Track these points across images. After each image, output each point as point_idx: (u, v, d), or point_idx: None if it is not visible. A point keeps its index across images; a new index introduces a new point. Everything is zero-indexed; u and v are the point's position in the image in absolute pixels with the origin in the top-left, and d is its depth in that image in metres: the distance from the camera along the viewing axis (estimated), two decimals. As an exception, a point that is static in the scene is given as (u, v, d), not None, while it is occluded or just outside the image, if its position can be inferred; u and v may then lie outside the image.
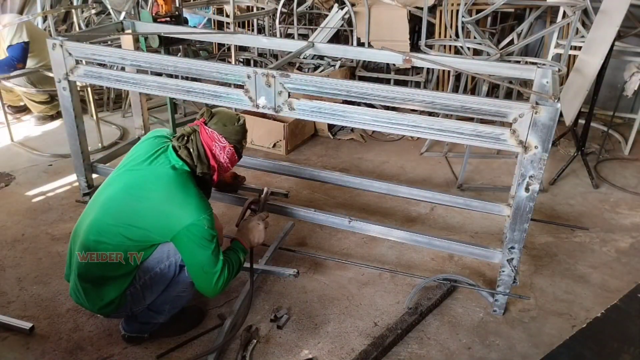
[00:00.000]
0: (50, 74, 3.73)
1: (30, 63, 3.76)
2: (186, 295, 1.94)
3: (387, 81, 4.33)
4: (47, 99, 3.95)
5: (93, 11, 4.61)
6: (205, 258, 1.75)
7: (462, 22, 3.33)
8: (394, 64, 4.04)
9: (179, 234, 1.72)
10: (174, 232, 1.72)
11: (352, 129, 4.09)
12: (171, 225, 1.73)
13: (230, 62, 4.24)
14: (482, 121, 1.94)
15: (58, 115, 4.08)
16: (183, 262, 1.81)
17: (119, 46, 3.19)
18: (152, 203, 1.75)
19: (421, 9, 3.86)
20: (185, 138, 1.89)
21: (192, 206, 1.74)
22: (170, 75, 2.69)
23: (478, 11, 3.87)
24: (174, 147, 1.87)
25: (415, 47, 4.31)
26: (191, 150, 1.87)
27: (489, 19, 4.25)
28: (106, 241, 1.77)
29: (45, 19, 4.70)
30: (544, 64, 2.74)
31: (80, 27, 4.20)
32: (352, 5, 4.13)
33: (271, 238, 2.57)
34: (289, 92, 2.02)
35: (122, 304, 1.84)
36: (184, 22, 3.26)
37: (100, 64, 2.47)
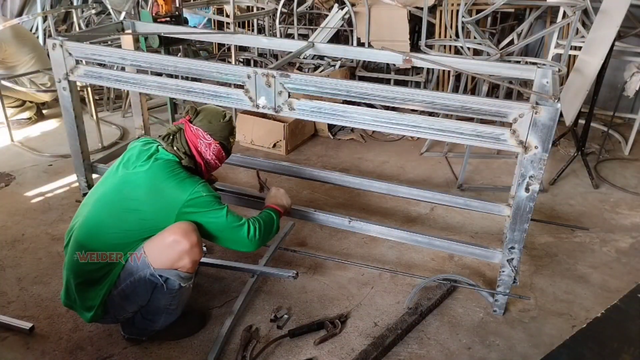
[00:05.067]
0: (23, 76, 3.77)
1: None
2: (175, 309, 1.90)
3: (387, 81, 4.33)
4: (17, 102, 3.94)
5: (93, 11, 4.62)
6: (223, 218, 1.80)
7: (462, 22, 3.33)
8: (394, 64, 4.04)
9: (182, 212, 1.76)
10: (175, 211, 1.76)
11: (352, 129, 4.09)
12: (171, 207, 1.76)
13: (230, 62, 4.24)
14: (482, 121, 1.94)
15: (38, 119, 4.07)
16: (155, 278, 1.77)
17: (119, 46, 3.18)
18: (145, 191, 1.78)
19: (421, 9, 3.86)
20: (171, 137, 1.92)
21: (184, 182, 1.78)
22: (170, 75, 2.69)
23: (478, 11, 3.88)
24: (160, 147, 1.89)
25: (415, 47, 4.31)
26: (176, 148, 1.90)
27: (489, 19, 4.25)
28: (102, 237, 1.78)
29: (45, 19, 4.70)
30: (544, 64, 2.74)
31: (80, 27, 4.21)
32: (352, 5, 4.13)
33: (271, 238, 2.57)
34: (289, 92, 2.02)
35: (105, 310, 1.84)
36: (184, 22, 3.26)
37: (100, 64, 2.47)
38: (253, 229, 1.85)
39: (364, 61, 4.37)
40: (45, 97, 4.02)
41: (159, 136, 1.95)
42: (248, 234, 1.84)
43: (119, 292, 1.81)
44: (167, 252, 1.75)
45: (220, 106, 2.08)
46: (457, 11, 3.90)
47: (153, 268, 1.76)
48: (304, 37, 4.55)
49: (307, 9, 4.72)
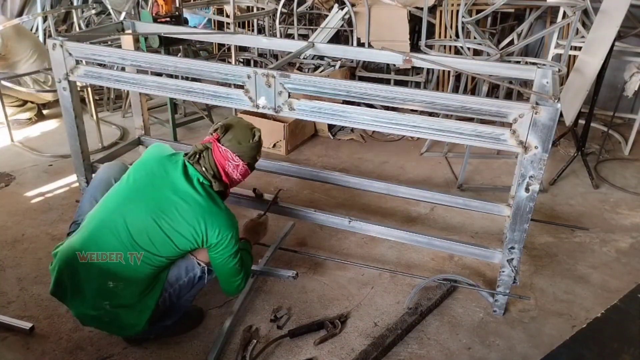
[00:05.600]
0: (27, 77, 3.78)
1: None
2: (193, 299, 1.98)
3: (387, 81, 4.33)
4: (17, 102, 3.94)
5: (93, 11, 4.62)
6: (232, 270, 1.85)
7: (462, 22, 3.33)
8: (394, 64, 4.04)
9: (210, 248, 1.79)
10: (204, 245, 1.79)
11: (352, 129, 4.09)
12: (202, 240, 1.77)
13: (230, 62, 4.24)
14: (482, 121, 1.94)
15: (38, 119, 4.08)
16: (204, 271, 1.87)
17: (119, 46, 3.19)
18: (183, 219, 1.74)
19: (421, 9, 3.86)
20: (197, 156, 1.84)
21: (223, 221, 1.77)
22: (170, 75, 2.69)
23: (478, 11, 3.88)
24: (186, 164, 1.83)
25: (415, 47, 4.31)
26: (204, 169, 1.83)
27: (489, 19, 4.25)
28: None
29: (45, 19, 4.70)
30: (544, 64, 2.75)
31: (80, 27, 4.21)
32: (352, 5, 4.13)
33: (271, 238, 2.57)
34: (289, 92, 2.02)
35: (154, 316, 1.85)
36: (184, 22, 3.26)
37: (100, 64, 2.47)
38: (243, 283, 1.92)
39: (364, 61, 4.37)
40: (48, 97, 4.01)
41: (185, 154, 1.87)
42: (238, 288, 1.92)
43: (172, 293, 1.86)
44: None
45: (247, 121, 2.00)
46: (457, 11, 3.90)
47: (203, 263, 1.86)
48: (304, 37, 4.55)
49: (307, 9, 4.72)
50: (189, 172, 1.81)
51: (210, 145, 1.85)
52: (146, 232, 1.74)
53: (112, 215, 1.78)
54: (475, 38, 3.61)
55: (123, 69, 2.92)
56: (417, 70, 4.30)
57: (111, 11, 4.31)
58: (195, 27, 4.67)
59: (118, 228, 1.75)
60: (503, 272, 2.08)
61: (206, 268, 1.87)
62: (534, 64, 2.61)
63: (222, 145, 1.84)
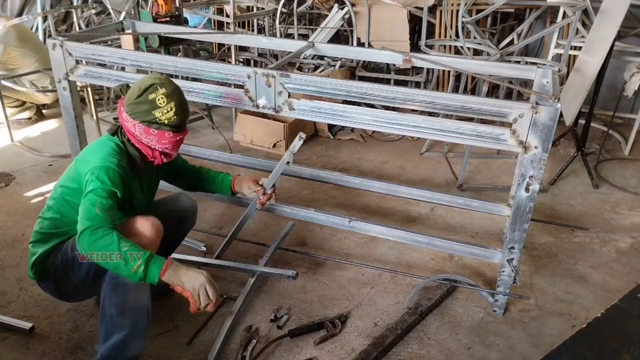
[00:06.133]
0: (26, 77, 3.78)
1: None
2: (136, 301, 1.62)
3: (387, 81, 4.33)
4: (16, 103, 3.93)
5: (93, 11, 4.62)
6: (89, 202, 1.57)
7: (462, 22, 3.33)
8: (394, 64, 4.04)
9: (84, 177, 1.64)
10: (83, 176, 1.65)
11: (352, 129, 4.09)
12: (83, 170, 1.66)
13: (230, 62, 4.24)
14: (482, 121, 1.94)
15: (38, 119, 4.08)
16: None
17: (119, 46, 3.19)
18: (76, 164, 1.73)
19: (421, 9, 3.86)
20: (117, 128, 1.78)
21: (104, 154, 1.67)
22: (170, 75, 2.69)
23: (478, 11, 3.88)
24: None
25: (415, 47, 4.31)
26: (122, 136, 1.77)
27: (489, 19, 4.25)
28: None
29: (45, 19, 4.70)
30: (544, 64, 2.75)
31: (80, 27, 4.20)
32: (352, 5, 4.13)
33: (271, 238, 2.57)
34: (289, 92, 2.02)
35: (47, 268, 1.76)
36: (184, 22, 3.26)
37: (100, 64, 2.47)
38: (85, 235, 1.52)
39: (364, 61, 4.37)
40: (45, 99, 4.02)
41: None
42: (81, 232, 1.53)
43: (64, 260, 1.72)
44: (129, 226, 1.66)
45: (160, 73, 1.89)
46: (457, 11, 3.90)
47: None
48: (304, 37, 4.55)
49: (307, 9, 4.72)
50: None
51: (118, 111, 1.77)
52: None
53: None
54: (475, 38, 3.61)
55: (123, 69, 2.92)
56: (417, 70, 4.30)
57: (111, 11, 4.31)
58: (195, 27, 4.67)
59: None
60: (503, 272, 2.08)
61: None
62: (534, 63, 2.60)
63: (122, 106, 1.74)
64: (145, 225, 1.68)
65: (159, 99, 1.67)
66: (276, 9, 4.31)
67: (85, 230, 1.53)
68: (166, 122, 1.69)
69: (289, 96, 2.03)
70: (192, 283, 1.56)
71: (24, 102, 3.96)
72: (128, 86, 1.77)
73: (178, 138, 1.76)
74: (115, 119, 1.79)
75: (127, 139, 1.76)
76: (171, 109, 1.68)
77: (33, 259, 1.78)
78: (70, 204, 1.75)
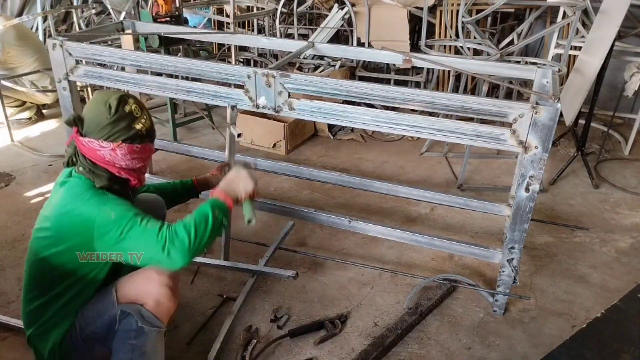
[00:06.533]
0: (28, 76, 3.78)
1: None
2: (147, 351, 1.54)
3: (387, 81, 4.33)
4: (17, 102, 3.93)
5: (93, 11, 4.62)
6: (137, 237, 1.44)
7: (462, 22, 3.33)
8: (394, 64, 4.04)
9: (95, 237, 1.46)
10: (90, 237, 1.47)
11: (352, 129, 4.09)
12: (87, 234, 1.47)
13: (230, 62, 4.24)
14: (482, 121, 1.94)
15: (38, 119, 4.07)
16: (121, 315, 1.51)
17: (119, 46, 3.18)
18: (59, 220, 1.51)
19: (421, 9, 3.86)
20: (71, 160, 1.57)
21: (89, 203, 1.47)
22: (170, 75, 2.69)
23: (478, 11, 3.87)
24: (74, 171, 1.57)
25: (415, 47, 4.31)
26: (81, 169, 1.55)
27: (489, 19, 4.25)
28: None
29: (45, 19, 4.70)
30: (544, 64, 2.74)
31: (80, 27, 4.20)
32: (352, 5, 4.13)
33: (271, 238, 2.57)
34: (289, 92, 2.02)
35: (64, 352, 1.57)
36: (184, 22, 3.26)
37: (100, 64, 2.47)
38: (177, 244, 1.43)
39: (364, 61, 4.37)
40: (46, 99, 4.02)
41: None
42: (170, 252, 1.43)
43: (86, 336, 1.58)
44: (135, 281, 1.55)
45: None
46: (457, 11, 3.90)
47: (118, 303, 1.52)
48: (304, 37, 4.55)
49: (307, 9, 4.72)
50: (68, 180, 1.55)
51: (74, 143, 1.57)
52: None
53: None
54: (475, 38, 3.61)
55: (123, 69, 2.92)
56: (417, 70, 4.30)
57: (111, 11, 4.31)
58: (195, 27, 4.67)
59: None
60: (503, 272, 2.08)
61: (128, 314, 1.50)
62: (534, 63, 2.60)
63: (85, 137, 1.53)
64: (161, 293, 1.54)
65: (134, 110, 1.55)
66: (276, 9, 4.31)
67: (170, 252, 1.42)
68: (145, 132, 1.57)
69: (289, 96, 2.03)
70: (245, 185, 1.66)
71: (24, 102, 3.96)
72: (78, 116, 1.54)
73: (154, 146, 1.68)
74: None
75: (90, 171, 1.54)
76: (146, 117, 1.59)
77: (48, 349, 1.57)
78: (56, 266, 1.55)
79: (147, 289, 1.53)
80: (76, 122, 1.53)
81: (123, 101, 1.54)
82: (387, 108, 3.56)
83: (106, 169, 1.55)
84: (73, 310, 1.59)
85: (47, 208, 1.59)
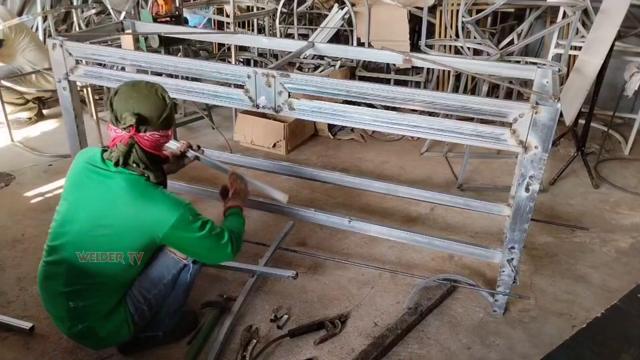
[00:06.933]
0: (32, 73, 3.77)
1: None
2: (183, 304, 1.92)
3: (387, 81, 4.33)
4: (21, 100, 3.93)
5: (93, 11, 4.62)
6: (208, 239, 1.69)
7: (462, 22, 3.33)
8: (394, 64, 4.04)
9: (166, 236, 1.64)
10: (160, 236, 1.64)
11: (352, 129, 4.09)
12: (155, 232, 1.63)
13: (230, 62, 4.24)
14: (482, 121, 1.94)
15: (38, 119, 4.07)
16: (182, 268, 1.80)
17: (119, 46, 3.18)
18: (123, 221, 1.63)
19: (421, 9, 3.86)
20: (125, 158, 1.64)
21: (166, 205, 1.63)
22: (170, 75, 2.69)
23: (478, 11, 3.87)
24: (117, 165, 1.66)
25: (415, 47, 4.31)
26: (134, 165, 1.65)
27: (489, 19, 4.25)
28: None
29: (45, 18, 4.70)
30: (544, 64, 2.74)
31: (80, 27, 4.20)
32: (352, 5, 4.13)
33: (271, 238, 2.57)
34: (289, 92, 2.02)
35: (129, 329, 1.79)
36: (184, 22, 3.26)
37: (100, 64, 2.47)
38: (235, 244, 1.76)
39: (364, 61, 4.37)
40: (49, 86, 3.96)
41: (105, 153, 1.68)
42: (232, 251, 1.75)
43: (149, 304, 1.80)
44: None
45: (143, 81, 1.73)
46: (457, 11, 3.90)
47: (182, 258, 1.79)
48: (304, 37, 4.55)
49: (307, 9, 4.72)
50: (119, 176, 1.64)
51: (134, 141, 1.64)
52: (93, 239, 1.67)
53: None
54: (475, 38, 3.60)
55: (123, 69, 2.92)
56: (417, 70, 4.30)
57: (111, 11, 4.31)
58: (195, 27, 4.67)
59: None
60: (503, 272, 2.08)
61: (186, 263, 1.81)
62: (534, 63, 2.61)
63: (145, 132, 1.64)
64: None
65: (168, 95, 1.71)
66: (276, 9, 4.31)
67: (234, 253, 1.77)
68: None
69: (289, 96, 2.03)
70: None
71: (27, 102, 3.95)
72: (132, 115, 1.61)
73: None
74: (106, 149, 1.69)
75: (144, 167, 1.65)
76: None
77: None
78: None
79: None
80: (136, 121, 1.60)
81: (160, 88, 1.69)
82: (387, 108, 3.56)
83: (159, 156, 1.75)
84: (121, 286, 1.76)
85: (89, 205, 1.67)
